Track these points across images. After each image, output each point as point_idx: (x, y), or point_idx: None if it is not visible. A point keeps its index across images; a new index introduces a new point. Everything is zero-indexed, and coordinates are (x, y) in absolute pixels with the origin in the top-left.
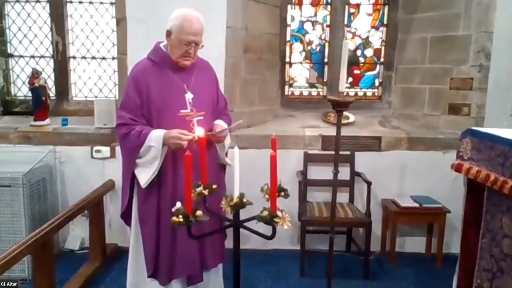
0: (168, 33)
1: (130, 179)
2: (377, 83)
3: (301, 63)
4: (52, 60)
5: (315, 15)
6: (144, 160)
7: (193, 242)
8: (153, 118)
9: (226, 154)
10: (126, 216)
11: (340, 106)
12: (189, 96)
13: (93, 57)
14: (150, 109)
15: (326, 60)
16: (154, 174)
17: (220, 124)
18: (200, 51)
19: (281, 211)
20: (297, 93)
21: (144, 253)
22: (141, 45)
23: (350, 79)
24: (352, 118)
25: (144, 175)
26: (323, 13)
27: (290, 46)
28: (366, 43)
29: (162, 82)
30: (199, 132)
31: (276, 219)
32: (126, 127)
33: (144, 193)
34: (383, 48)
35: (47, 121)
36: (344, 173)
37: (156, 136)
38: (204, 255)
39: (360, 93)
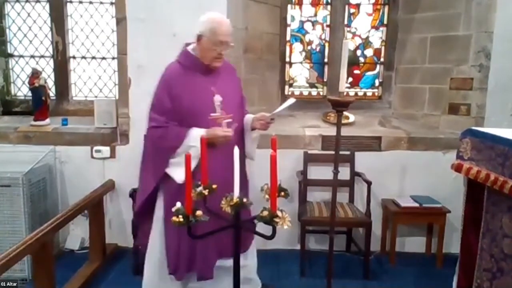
0: (199, 37)
1: (159, 179)
2: (377, 83)
3: (301, 63)
4: (52, 60)
5: (315, 15)
6: (181, 159)
7: (211, 239)
8: (184, 121)
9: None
10: (140, 214)
11: (340, 106)
12: (217, 98)
13: (93, 57)
14: (181, 112)
15: (326, 60)
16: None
17: (251, 117)
18: None
19: (281, 211)
20: (297, 93)
21: (167, 251)
22: (141, 45)
23: (350, 79)
24: (352, 118)
25: (181, 173)
26: (323, 13)
27: (290, 46)
28: (366, 43)
29: (193, 86)
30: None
31: (276, 219)
32: (162, 129)
33: (175, 192)
34: (383, 48)
35: (47, 121)
36: (344, 173)
37: (196, 135)
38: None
39: (360, 93)
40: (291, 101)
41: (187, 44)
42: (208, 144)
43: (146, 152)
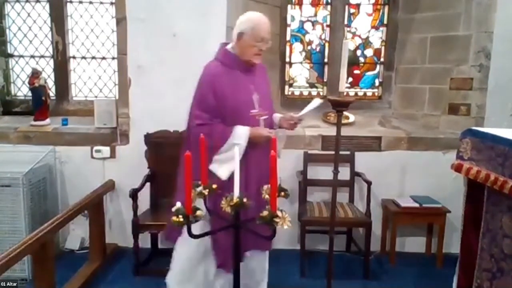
0: (240, 35)
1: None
2: (377, 83)
3: (301, 63)
4: (52, 60)
5: (315, 15)
6: (224, 156)
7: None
8: (227, 118)
9: None
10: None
11: (340, 106)
12: (256, 96)
13: (93, 57)
14: (225, 110)
15: (326, 60)
16: (234, 168)
17: (278, 116)
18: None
19: (281, 211)
20: (297, 93)
21: (215, 245)
22: (141, 45)
23: (350, 79)
24: (352, 118)
25: (225, 169)
26: (323, 13)
27: (290, 46)
28: (366, 43)
29: (234, 84)
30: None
31: (276, 219)
32: (207, 127)
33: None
34: (383, 48)
35: (47, 121)
36: (344, 173)
37: (240, 134)
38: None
39: (360, 93)
40: (317, 101)
41: (224, 44)
42: (250, 142)
43: (188, 149)
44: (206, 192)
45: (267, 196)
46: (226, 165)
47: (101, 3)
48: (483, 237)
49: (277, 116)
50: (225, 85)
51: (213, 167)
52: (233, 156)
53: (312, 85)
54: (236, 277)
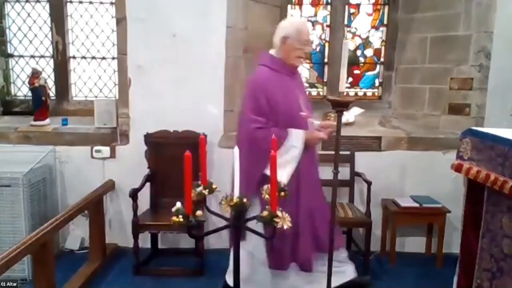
0: (284, 39)
1: (258, 179)
2: (377, 83)
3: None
4: (52, 60)
5: (315, 15)
6: (282, 160)
7: (308, 234)
8: (280, 121)
9: None
10: None
11: (340, 106)
12: (301, 99)
13: (93, 57)
14: (277, 113)
15: (326, 60)
16: (293, 171)
17: (316, 122)
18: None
19: (281, 211)
20: None
21: (270, 246)
22: (141, 45)
23: (350, 79)
24: (352, 118)
25: (285, 173)
26: (323, 13)
27: None
28: (366, 43)
29: (284, 87)
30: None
31: (276, 219)
32: (265, 131)
33: None
34: (383, 48)
35: (47, 121)
36: (344, 173)
37: (297, 136)
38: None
39: (360, 93)
40: (356, 110)
41: (264, 52)
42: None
43: (244, 153)
44: (206, 192)
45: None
46: (285, 168)
47: (101, 3)
48: (483, 237)
49: (314, 122)
50: (276, 89)
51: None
52: (291, 159)
53: (312, 85)
54: (236, 276)
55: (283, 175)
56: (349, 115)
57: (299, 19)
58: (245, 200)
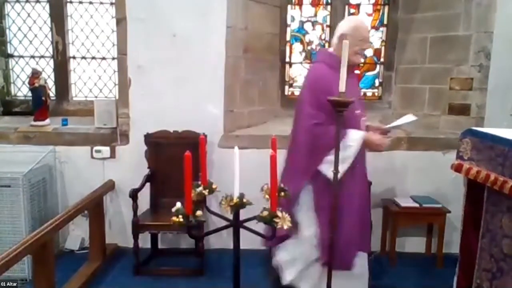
0: (343, 37)
1: (312, 173)
2: (377, 83)
3: (301, 63)
4: (52, 60)
5: (315, 15)
6: (333, 157)
7: (356, 229)
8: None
9: None
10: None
11: (340, 106)
12: (356, 97)
13: (93, 57)
14: (334, 110)
15: None
16: (346, 169)
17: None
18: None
19: (281, 211)
20: (297, 93)
21: (320, 241)
22: (141, 45)
23: None
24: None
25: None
26: (323, 13)
27: (290, 46)
28: None
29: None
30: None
31: (276, 219)
32: (323, 128)
33: (325, 184)
34: (383, 48)
35: (47, 121)
36: None
37: (355, 137)
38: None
39: (360, 93)
40: (410, 117)
41: (322, 49)
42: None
43: (299, 148)
44: (206, 192)
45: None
46: (342, 165)
47: (101, 3)
48: (483, 237)
49: (364, 123)
50: (333, 86)
51: (324, 167)
52: (347, 157)
53: None
54: (236, 276)
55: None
56: (401, 121)
57: (357, 17)
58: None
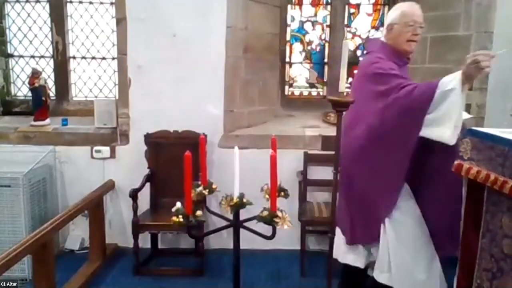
0: (390, 26)
1: (410, 152)
2: None
3: (301, 63)
4: (52, 60)
5: (315, 15)
6: (440, 112)
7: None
8: None
9: None
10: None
11: (340, 106)
12: None
13: (93, 57)
14: None
15: (326, 60)
16: (459, 123)
17: None
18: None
19: (281, 211)
20: (297, 93)
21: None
22: (141, 45)
23: (350, 79)
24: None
25: (447, 129)
26: (323, 13)
27: (290, 46)
28: (366, 43)
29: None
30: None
31: (276, 219)
32: (412, 86)
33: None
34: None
35: (47, 121)
36: None
37: (450, 78)
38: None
39: None
40: (464, 115)
41: (372, 39)
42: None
43: (385, 129)
44: (206, 192)
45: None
46: (447, 122)
47: (101, 3)
48: (483, 237)
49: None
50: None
51: (430, 131)
52: (450, 107)
53: (312, 85)
54: (236, 276)
55: (446, 131)
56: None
57: (405, 2)
58: (245, 200)
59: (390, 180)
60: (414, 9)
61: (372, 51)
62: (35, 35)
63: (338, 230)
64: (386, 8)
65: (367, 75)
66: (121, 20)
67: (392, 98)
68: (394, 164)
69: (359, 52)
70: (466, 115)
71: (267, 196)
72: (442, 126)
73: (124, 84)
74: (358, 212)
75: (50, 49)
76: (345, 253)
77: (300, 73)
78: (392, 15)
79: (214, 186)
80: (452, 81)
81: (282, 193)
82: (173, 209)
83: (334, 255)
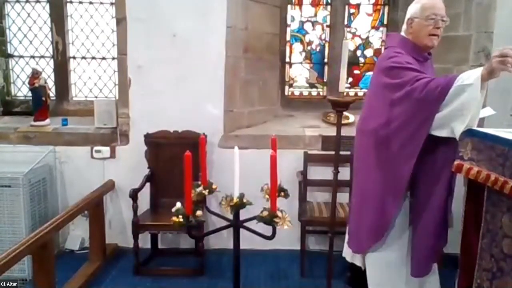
0: (410, 21)
1: (419, 147)
2: None
3: (301, 63)
4: (52, 60)
5: (315, 15)
6: (454, 106)
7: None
8: None
9: None
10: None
11: (340, 106)
12: None
13: (93, 57)
14: None
15: (326, 60)
16: (474, 121)
17: None
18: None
19: (281, 211)
20: (297, 93)
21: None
22: (141, 45)
23: (350, 79)
24: (352, 118)
25: (458, 124)
26: (323, 13)
27: (290, 46)
28: (366, 43)
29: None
30: None
31: (276, 219)
32: (427, 79)
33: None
34: (383, 48)
35: (47, 121)
36: (344, 173)
37: (469, 73)
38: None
39: (360, 93)
40: (489, 111)
41: (392, 34)
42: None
43: (400, 124)
44: (206, 192)
45: (267, 196)
46: (459, 117)
47: (101, 3)
48: (483, 237)
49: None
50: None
51: (441, 128)
52: (465, 102)
53: (312, 85)
54: (236, 276)
55: (455, 126)
56: (481, 114)
57: None
58: (245, 200)
59: (393, 183)
60: (435, 2)
61: (390, 46)
62: (35, 35)
63: (347, 231)
64: (386, 8)
65: (383, 69)
66: (121, 20)
67: (405, 90)
68: (400, 165)
69: (359, 52)
70: (490, 112)
71: (267, 196)
72: (456, 122)
73: (124, 84)
74: (365, 214)
75: (50, 49)
76: (353, 254)
77: (300, 73)
78: (412, 9)
79: (214, 186)
80: (471, 76)
81: (282, 193)
82: (173, 209)
83: (344, 254)
